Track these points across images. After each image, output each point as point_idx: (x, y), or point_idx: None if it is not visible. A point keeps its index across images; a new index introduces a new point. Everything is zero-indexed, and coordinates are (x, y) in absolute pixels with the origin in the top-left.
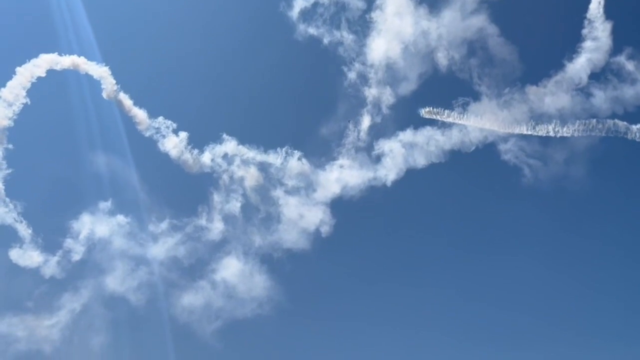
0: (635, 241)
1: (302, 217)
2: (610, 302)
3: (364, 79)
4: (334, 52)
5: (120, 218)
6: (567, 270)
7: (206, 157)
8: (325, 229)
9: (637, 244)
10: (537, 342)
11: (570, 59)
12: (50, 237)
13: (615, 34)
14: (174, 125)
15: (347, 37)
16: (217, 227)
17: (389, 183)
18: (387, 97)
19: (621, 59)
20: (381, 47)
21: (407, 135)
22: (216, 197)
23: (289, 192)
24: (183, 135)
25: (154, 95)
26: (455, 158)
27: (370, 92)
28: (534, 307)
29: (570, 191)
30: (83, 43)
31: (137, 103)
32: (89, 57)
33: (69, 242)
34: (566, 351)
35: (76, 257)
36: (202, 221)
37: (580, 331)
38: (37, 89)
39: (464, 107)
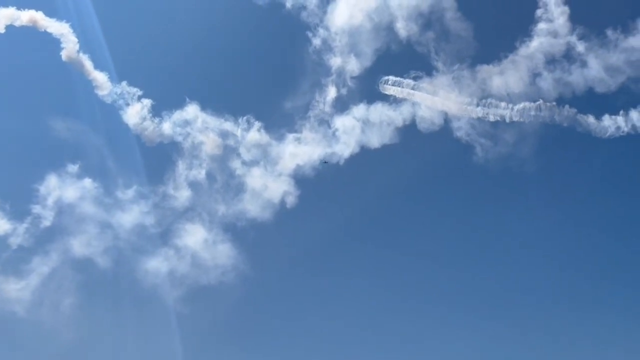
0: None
1: (260, 186)
2: (551, 279)
3: (327, 46)
4: (297, 16)
5: (88, 182)
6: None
7: (166, 127)
8: (286, 200)
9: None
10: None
11: (523, 41)
12: (18, 204)
13: (570, 16)
14: (139, 92)
15: (311, 1)
16: (181, 195)
17: (343, 160)
18: (352, 67)
19: (573, 39)
20: (344, 13)
21: (362, 109)
22: (180, 165)
23: (248, 163)
24: (146, 102)
25: (117, 59)
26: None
27: (335, 62)
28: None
29: (516, 172)
30: None
31: (98, 66)
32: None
33: (37, 209)
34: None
35: (45, 223)
36: (167, 189)
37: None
38: None
39: (416, 79)
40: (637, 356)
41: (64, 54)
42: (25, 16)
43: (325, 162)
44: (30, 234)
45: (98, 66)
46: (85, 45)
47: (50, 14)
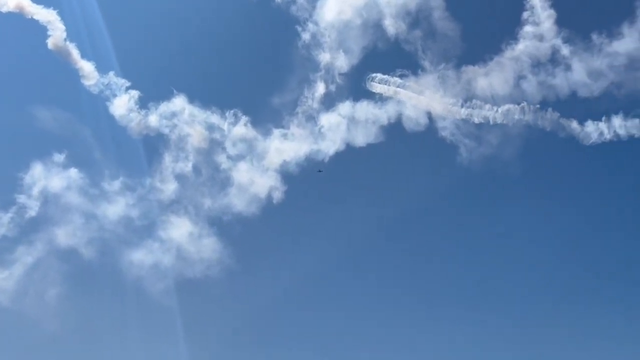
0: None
1: (246, 181)
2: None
3: (316, 41)
4: (287, 10)
5: (74, 172)
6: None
7: (153, 119)
8: (272, 195)
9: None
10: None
11: (509, 43)
12: (3, 193)
13: (556, 20)
14: (127, 83)
15: None
16: (167, 188)
17: (328, 157)
18: (341, 63)
19: (558, 42)
20: (333, 9)
21: (348, 107)
22: (166, 158)
23: (234, 157)
24: (133, 93)
25: (104, 49)
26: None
27: (324, 57)
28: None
29: (499, 173)
30: None
31: (85, 56)
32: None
33: (22, 198)
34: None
35: (31, 213)
36: (153, 181)
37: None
38: None
39: (403, 77)
40: (626, 355)
41: (50, 42)
42: (12, 2)
43: (320, 171)
44: (15, 223)
45: (85, 55)
46: (73, 33)
47: (37, 0)
